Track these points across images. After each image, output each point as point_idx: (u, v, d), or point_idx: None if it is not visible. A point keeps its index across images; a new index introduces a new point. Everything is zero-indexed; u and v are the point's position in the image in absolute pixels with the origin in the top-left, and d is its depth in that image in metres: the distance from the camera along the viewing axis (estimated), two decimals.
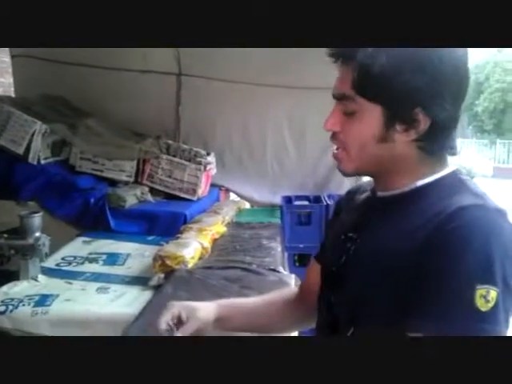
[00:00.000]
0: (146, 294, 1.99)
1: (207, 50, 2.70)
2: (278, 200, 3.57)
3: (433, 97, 0.81)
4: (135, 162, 3.18)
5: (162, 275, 2.10)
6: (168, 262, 2.12)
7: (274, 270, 2.19)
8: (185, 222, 2.82)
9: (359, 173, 0.93)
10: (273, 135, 3.69)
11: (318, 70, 1.94)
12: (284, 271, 2.26)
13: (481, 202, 0.79)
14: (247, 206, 3.71)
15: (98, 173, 3.14)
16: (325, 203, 3.38)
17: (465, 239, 0.74)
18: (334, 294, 0.93)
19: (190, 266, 2.18)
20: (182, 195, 3.21)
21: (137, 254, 2.49)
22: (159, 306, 1.68)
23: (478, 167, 14.55)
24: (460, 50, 0.83)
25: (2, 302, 1.87)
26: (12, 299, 1.89)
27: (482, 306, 0.71)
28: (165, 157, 3.23)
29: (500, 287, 0.72)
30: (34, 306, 1.84)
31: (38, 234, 2.07)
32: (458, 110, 0.85)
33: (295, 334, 1.34)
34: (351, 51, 0.83)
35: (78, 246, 2.57)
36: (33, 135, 2.89)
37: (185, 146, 3.37)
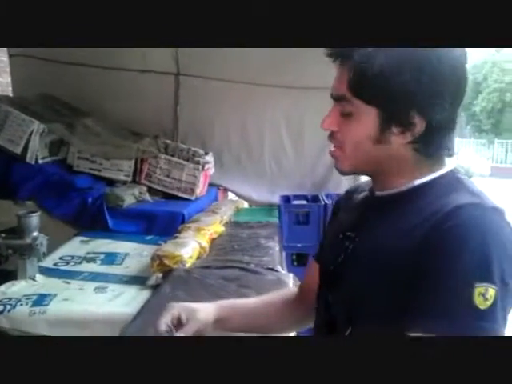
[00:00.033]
0: (144, 294, 1.99)
1: (205, 50, 2.70)
2: (276, 199, 3.57)
3: (430, 99, 0.81)
4: (133, 162, 3.18)
5: (160, 275, 2.11)
6: (166, 262, 2.12)
7: (272, 270, 2.20)
8: (183, 222, 2.82)
9: (356, 172, 0.93)
10: (271, 135, 3.70)
11: (316, 69, 1.95)
12: (282, 270, 2.26)
13: (478, 201, 0.79)
14: (245, 205, 3.71)
15: (96, 172, 3.13)
16: (323, 203, 3.38)
17: (462, 238, 0.74)
18: (331, 293, 0.93)
19: (188, 265, 2.18)
20: (180, 195, 3.21)
21: (135, 253, 2.49)
22: (157, 306, 1.69)
23: (476, 167, 14.59)
24: (458, 51, 0.83)
25: (0, 301, 1.86)
26: (10, 299, 1.88)
27: (481, 304, 0.71)
28: (163, 156, 3.23)
29: (498, 285, 0.72)
30: (32, 306, 1.84)
31: (35, 234, 2.07)
32: (456, 112, 0.85)
33: (293, 333, 1.34)
34: (348, 51, 0.83)
35: (76, 246, 2.56)
36: (30, 135, 2.89)
37: (183, 146, 3.37)
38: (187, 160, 3.24)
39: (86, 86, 3.55)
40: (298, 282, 1.97)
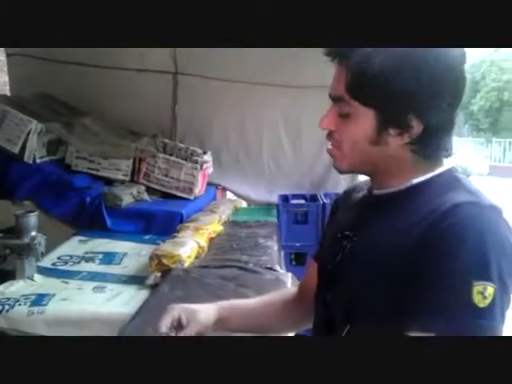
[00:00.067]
0: (143, 293, 1.99)
1: (204, 49, 2.69)
2: (274, 199, 3.57)
3: (428, 100, 0.81)
4: (131, 161, 3.17)
5: (159, 274, 2.11)
6: (164, 261, 2.12)
7: (270, 269, 2.20)
8: (181, 221, 2.82)
9: (354, 171, 0.93)
10: (269, 134, 3.70)
11: (314, 68, 1.94)
12: (280, 270, 2.26)
13: (475, 199, 0.79)
14: (244, 204, 3.71)
15: (94, 172, 3.13)
16: (321, 202, 3.38)
17: (459, 236, 0.74)
18: (329, 292, 0.93)
19: (186, 264, 2.18)
20: (179, 194, 3.21)
21: (133, 253, 2.49)
22: (156, 306, 1.69)
23: (474, 165, 14.61)
24: (457, 51, 0.83)
25: None
26: (8, 299, 1.88)
27: (480, 302, 0.71)
28: (161, 156, 3.23)
29: (496, 284, 0.72)
30: (30, 306, 1.84)
31: (33, 234, 2.06)
32: (454, 113, 0.85)
33: (292, 333, 1.34)
34: (347, 51, 0.83)
35: (74, 246, 2.56)
36: (28, 134, 2.88)
37: (181, 145, 3.37)
38: (185, 159, 3.24)
39: (83, 85, 3.54)
40: (297, 282, 1.98)
